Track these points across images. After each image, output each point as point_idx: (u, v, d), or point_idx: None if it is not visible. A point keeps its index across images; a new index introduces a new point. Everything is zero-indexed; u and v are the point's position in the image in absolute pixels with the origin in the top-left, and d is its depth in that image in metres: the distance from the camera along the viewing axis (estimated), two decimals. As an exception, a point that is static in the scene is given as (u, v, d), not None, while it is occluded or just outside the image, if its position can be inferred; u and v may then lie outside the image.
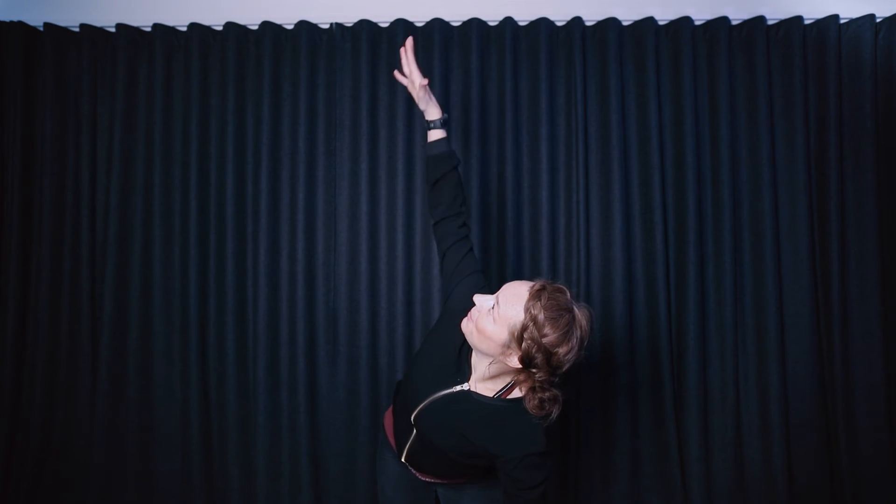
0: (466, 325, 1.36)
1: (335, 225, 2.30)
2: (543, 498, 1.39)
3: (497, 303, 1.30)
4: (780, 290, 2.28)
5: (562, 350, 1.24)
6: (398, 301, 2.27)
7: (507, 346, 1.29)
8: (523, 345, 1.25)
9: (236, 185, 2.29)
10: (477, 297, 1.35)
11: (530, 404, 1.30)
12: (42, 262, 2.30)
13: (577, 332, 1.26)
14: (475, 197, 2.26)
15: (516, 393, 1.38)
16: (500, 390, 1.40)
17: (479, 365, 1.41)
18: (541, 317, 1.23)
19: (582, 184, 2.27)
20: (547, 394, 1.28)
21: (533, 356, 1.25)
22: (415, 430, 1.53)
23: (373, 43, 2.29)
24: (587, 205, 2.28)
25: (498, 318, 1.28)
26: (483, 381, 1.41)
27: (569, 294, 1.29)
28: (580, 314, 1.28)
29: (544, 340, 1.23)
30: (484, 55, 2.29)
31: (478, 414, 1.40)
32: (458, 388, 1.43)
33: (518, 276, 2.26)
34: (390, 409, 1.71)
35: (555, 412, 1.30)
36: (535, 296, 1.26)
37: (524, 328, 1.25)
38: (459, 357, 1.46)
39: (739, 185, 2.31)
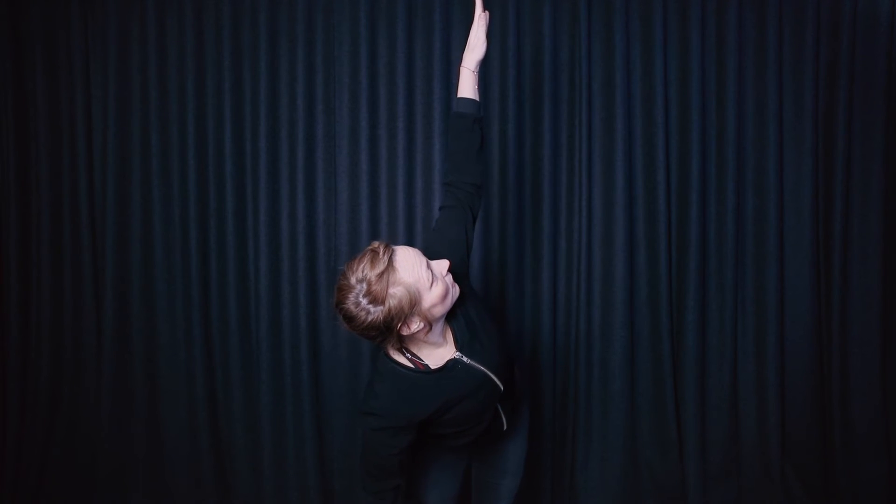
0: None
1: (335, 184, 2.29)
2: None
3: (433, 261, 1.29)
4: (781, 252, 2.28)
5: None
6: (399, 260, 2.28)
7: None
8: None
9: (234, 143, 2.26)
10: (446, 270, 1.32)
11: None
12: (42, 224, 2.30)
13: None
14: (476, 156, 2.23)
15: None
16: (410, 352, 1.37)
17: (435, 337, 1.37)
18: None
19: (585, 142, 2.24)
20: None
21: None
22: (500, 384, 1.45)
23: (371, -4, 2.23)
24: (590, 164, 2.26)
25: (421, 260, 1.27)
26: (437, 340, 1.37)
27: (348, 277, 1.22)
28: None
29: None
30: (485, 9, 2.22)
31: (470, 319, 1.41)
32: (470, 360, 1.39)
33: (520, 237, 2.27)
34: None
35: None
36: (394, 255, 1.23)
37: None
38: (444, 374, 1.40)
39: (745, 144, 2.28)
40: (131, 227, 2.30)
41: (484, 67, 2.22)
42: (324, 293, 2.30)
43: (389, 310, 1.19)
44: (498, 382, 1.44)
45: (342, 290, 1.22)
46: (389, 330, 1.23)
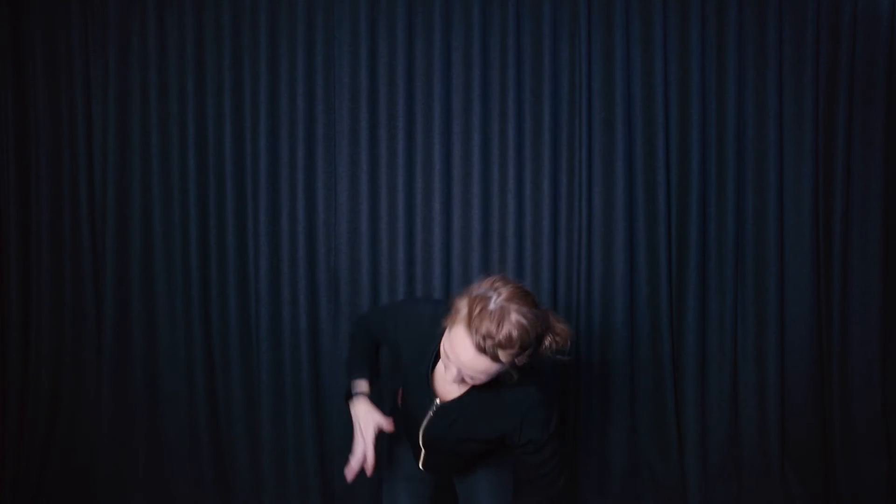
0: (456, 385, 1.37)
1: (335, 184, 2.29)
2: (560, 473, 1.40)
3: (465, 372, 1.26)
4: (781, 251, 2.28)
5: (548, 343, 1.25)
6: (399, 260, 2.28)
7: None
8: (525, 359, 1.24)
9: (234, 143, 2.26)
10: (448, 381, 1.32)
11: (549, 352, 1.29)
12: (42, 224, 2.30)
13: (541, 325, 1.22)
14: (476, 156, 2.24)
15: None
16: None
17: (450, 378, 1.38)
18: (519, 359, 1.22)
19: (585, 142, 2.24)
20: (550, 340, 1.27)
21: (540, 353, 1.26)
22: (424, 450, 1.55)
23: (372, -4, 2.23)
24: (590, 164, 2.26)
25: (485, 373, 1.25)
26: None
27: (491, 300, 1.20)
28: (507, 304, 1.20)
29: (529, 339, 1.21)
30: (486, 9, 2.22)
31: (467, 414, 1.41)
32: (432, 409, 1.44)
33: (520, 237, 2.27)
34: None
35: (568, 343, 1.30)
36: (493, 356, 1.19)
37: (512, 363, 1.23)
38: (424, 384, 1.45)
39: (745, 144, 2.28)
40: (131, 227, 2.30)
41: (484, 67, 2.23)
42: (324, 293, 2.31)
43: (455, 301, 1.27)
44: (420, 445, 1.52)
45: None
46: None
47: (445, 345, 1.26)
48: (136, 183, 2.29)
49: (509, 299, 1.19)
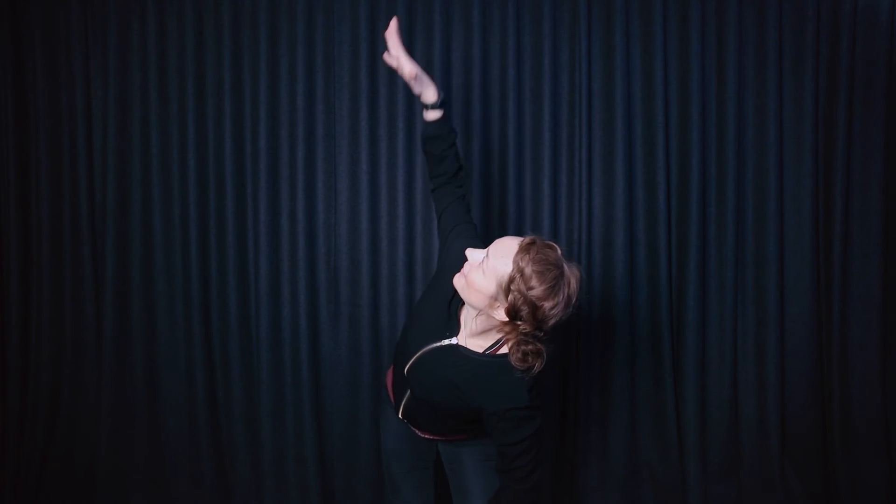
0: (458, 280, 1.39)
1: (335, 184, 2.29)
2: (533, 469, 1.41)
3: (487, 256, 1.32)
4: (781, 252, 2.28)
5: (547, 304, 1.26)
6: (399, 260, 2.28)
7: (494, 298, 1.31)
8: (510, 296, 1.27)
9: (234, 143, 2.26)
10: (469, 252, 1.37)
11: (514, 357, 1.33)
12: (42, 224, 2.30)
13: (565, 289, 1.28)
14: (476, 156, 2.24)
15: (504, 351, 1.41)
16: (489, 347, 1.43)
17: (468, 320, 1.44)
18: (528, 269, 1.25)
19: (585, 143, 2.24)
20: (530, 346, 1.31)
21: (519, 308, 1.27)
22: (409, 386, 1.56)
23: (371, -5, 2.23)
24: (590, 164, 2.26)
25: (487, 270, 1.30)
26: (472, 336, 1.44)
27: (559, 251, 1.31)
28: (569, 272, 1.29)
29: (531, 293, 1.25)
30: (486, 10, 2.22)
31: (465, 367, 1.43)
32: (447, 341, 1.47)
33: (521, 237, 2.26)
34: (392, 366, 1.75)
35: (537, 366, 1.32)
36: (524, 249, 1.27)
37: (511, 280, 1.27)
38: (450, 311, 1.49)
39: (745, 144, 2.28)
40: (131, 227, 2.30)
41: (484, 67, 2.23)
42: (324, 293, 2.31)
43: None
44: (407, 371, 1.54)
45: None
46: None
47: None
48: (136, 183, 2.29)
49: (574, 275, 1.30)
